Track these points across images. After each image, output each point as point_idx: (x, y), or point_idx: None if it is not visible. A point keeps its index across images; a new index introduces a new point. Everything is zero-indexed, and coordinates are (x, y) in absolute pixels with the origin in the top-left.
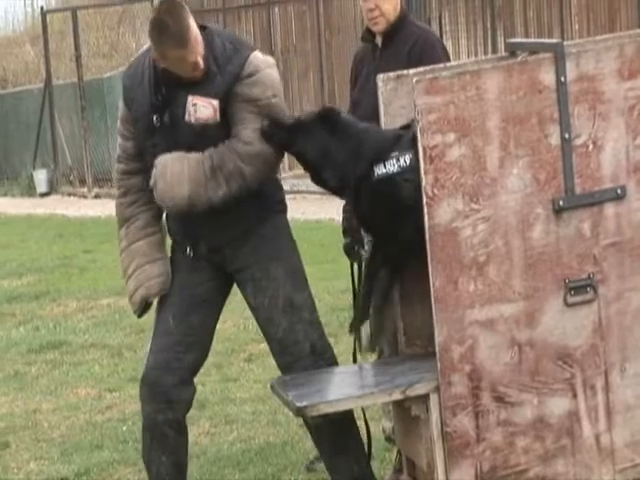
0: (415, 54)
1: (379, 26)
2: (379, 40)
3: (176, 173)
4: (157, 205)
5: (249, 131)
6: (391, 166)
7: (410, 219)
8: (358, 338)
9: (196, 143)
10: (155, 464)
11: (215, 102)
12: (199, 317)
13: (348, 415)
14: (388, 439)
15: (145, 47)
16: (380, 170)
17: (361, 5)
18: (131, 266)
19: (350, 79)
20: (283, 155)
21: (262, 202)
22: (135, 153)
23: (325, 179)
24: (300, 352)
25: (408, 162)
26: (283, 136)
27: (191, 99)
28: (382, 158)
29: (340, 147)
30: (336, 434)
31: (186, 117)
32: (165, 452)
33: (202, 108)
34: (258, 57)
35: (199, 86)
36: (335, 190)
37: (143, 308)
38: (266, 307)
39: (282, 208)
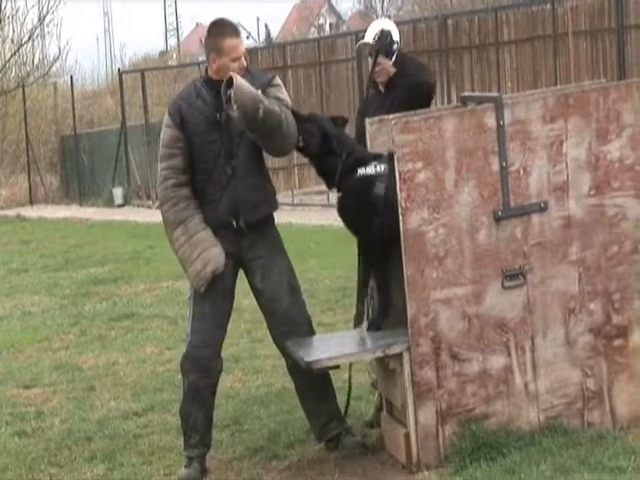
0: (405, 99)
1: (381, 78)
2: (382, 87)
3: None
4: (201, 209)
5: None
6: (370, 169)
7: (378, 217)
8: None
9: (243, 132)
10: (193, 417)
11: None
12: (226, 304)
13: (326, 374)
14: (372, 385)
15: (187, 88)
16: (362, 171)
17: (369, 64)
18: (195, 252)
19: (358, 113)
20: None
21: (273, 197)
22: (184, 167)
23: (323, 171)
24: (300, 322)
25: (383, 169)
26: (299, 123)
27: None
28: (364, 164)
29: (337, 148)
30: (319, 387)
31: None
32: (202, 409)
33: None
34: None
35: None
36: (328, 181)
37: (209, 282)
38: (272, 289)
39: (274, 220)
